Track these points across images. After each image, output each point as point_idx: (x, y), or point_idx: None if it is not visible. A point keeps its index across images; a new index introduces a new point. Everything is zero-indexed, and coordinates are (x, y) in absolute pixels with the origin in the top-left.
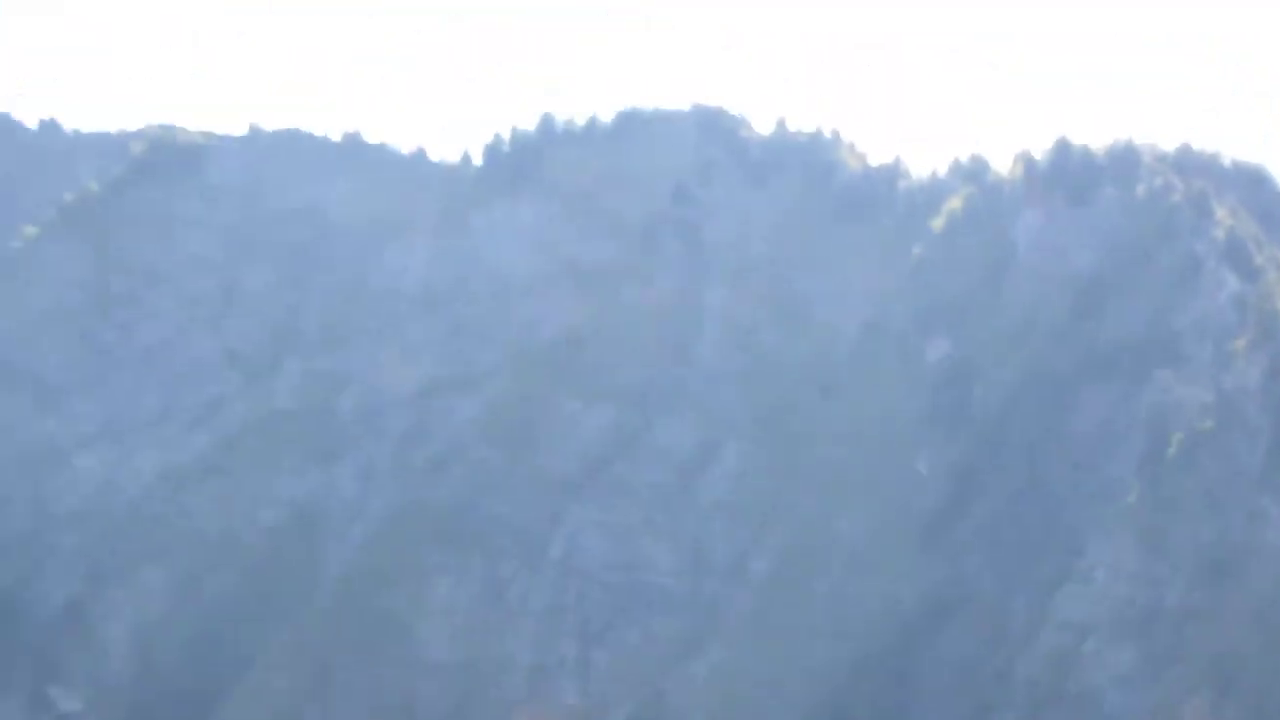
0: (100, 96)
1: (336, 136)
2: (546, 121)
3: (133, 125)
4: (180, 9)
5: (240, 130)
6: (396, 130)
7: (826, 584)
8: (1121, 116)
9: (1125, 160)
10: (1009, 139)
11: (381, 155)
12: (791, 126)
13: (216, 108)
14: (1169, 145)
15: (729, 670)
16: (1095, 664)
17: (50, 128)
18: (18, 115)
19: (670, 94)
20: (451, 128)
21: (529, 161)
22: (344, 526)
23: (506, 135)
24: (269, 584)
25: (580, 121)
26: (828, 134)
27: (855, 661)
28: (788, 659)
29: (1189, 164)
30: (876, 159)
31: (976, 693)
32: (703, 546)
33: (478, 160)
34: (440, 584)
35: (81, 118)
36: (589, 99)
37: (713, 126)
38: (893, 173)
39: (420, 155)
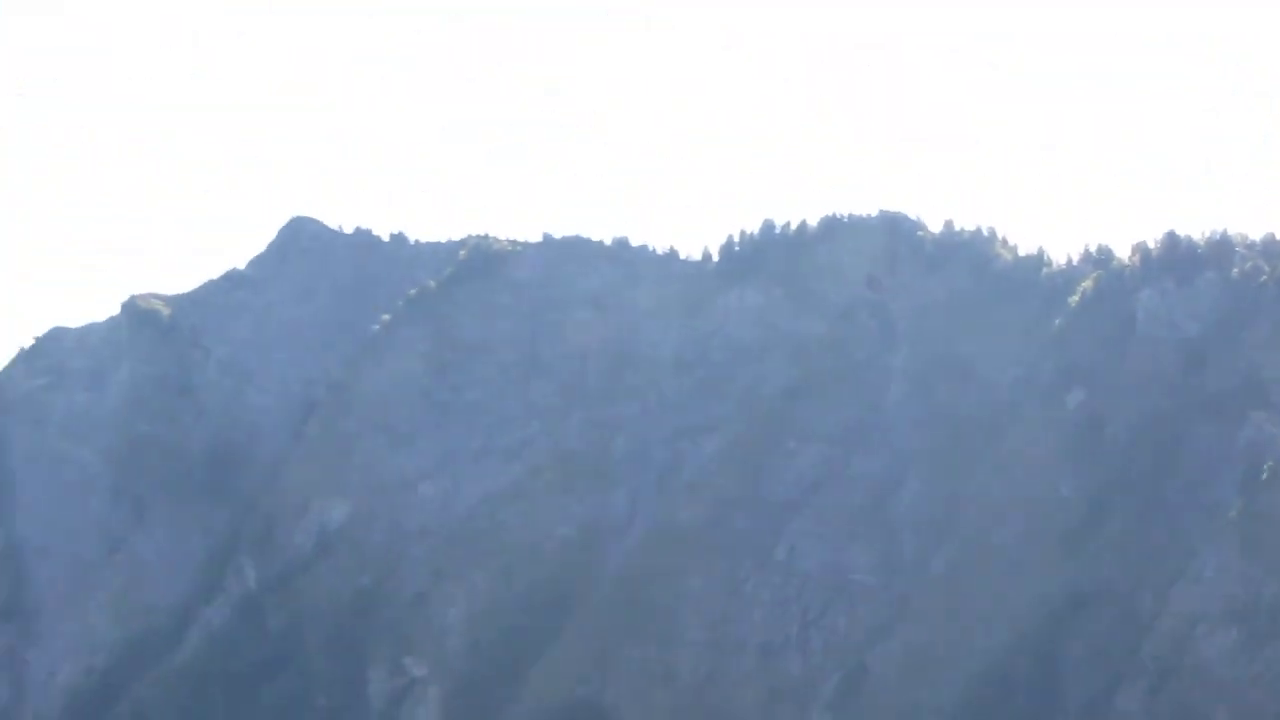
0: (436, 211)
1: (608, 241)
2: (768, 226)
3: (457, 235)
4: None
5: (536, 238)
6: (650, 231)
7: (989, 582)
8: (1123, 118)
9: (1222, 248)
10: (1008, 142)
11: (642, 254)
12: (957, 226)
13: (516, 218)
14: (1257, 235)
15: (915, 647)
16: (1206, 643)
17: (399, 239)
18: (376, 231)
19: (860, 202)
20: (695, 226)
21: (755, 257)
22: (619, 538)
23: (737, 237)
24: (564, 582)
25: (794, 226)
26: (985, 232)
27: (1013, 642)
28: (960, 640)
29: (1273, 249)
30: (1024, 250)
31: (1111, 667)
32: (892, 552)
33: (715, 257)
34: (693, 581)
35: (420, 230)
36: (590, 98)
37: (896, 228)
38: (1037, 261)
39: (672, 254)
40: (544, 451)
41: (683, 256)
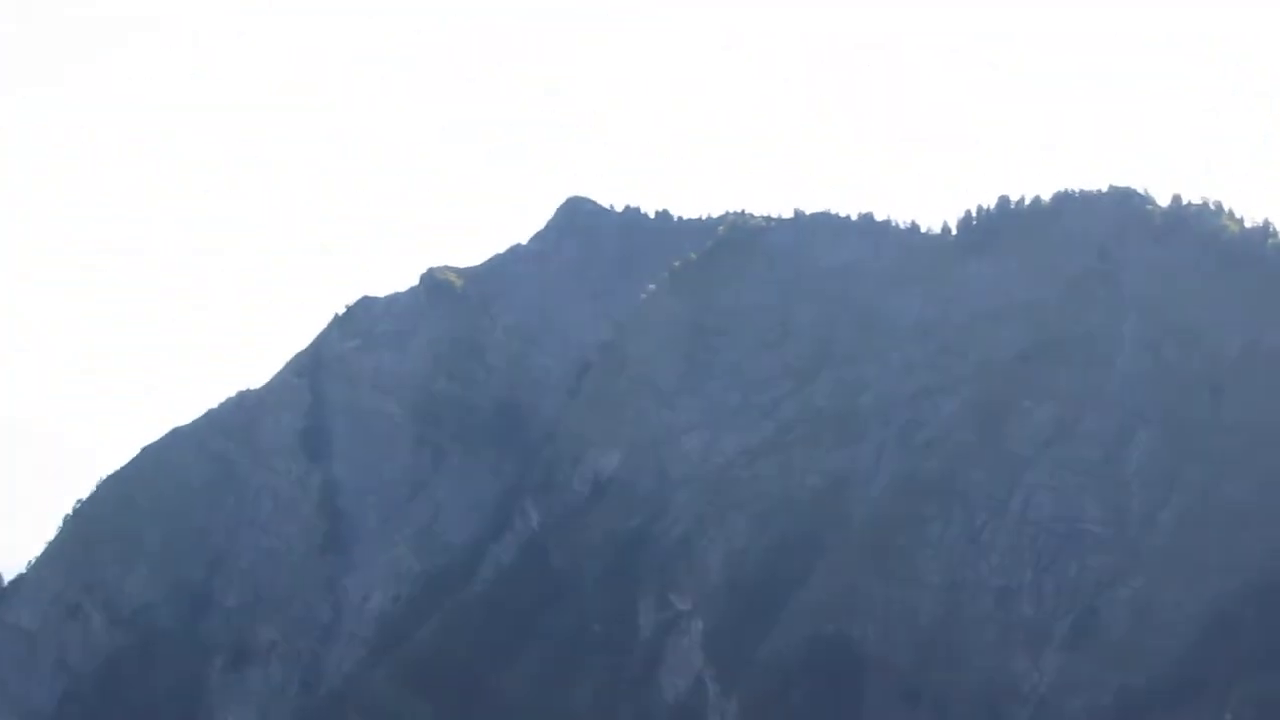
0: (695, 189)
1: (854, 216)
2: (1003, 201)
3: (716, 212)
4: None
5: (788, 213)
6: (893, 205)
7: (1217, 533)
8: (1123, 117)
9: None
10: (1007, 139)
11: (886, 227)
12: (1184, 200)
13: (771, 194)
14: None
15: (1145, 594)
16: None
17: (663, 216)
18: (643, 209)
19: (1091, 178)
20: (937, 200)
21: (992, 230)
22: (865, 488)
23: (974, 212)
24: (814, 527)
25: (1028, 201)
26: (1212, 205)
27: (1239, 589)
28: (1189, 587)
29: None
30: (1250, 222)
31: None
32: (1123, 504)
33: (954, 230)
34: (933, 529)
35: (683, 208)
36: (592, 95)
37: (1125, 202)
38: (1263, 233)
39: (913, 227)
40: (796, 408)
41: (923, 230)
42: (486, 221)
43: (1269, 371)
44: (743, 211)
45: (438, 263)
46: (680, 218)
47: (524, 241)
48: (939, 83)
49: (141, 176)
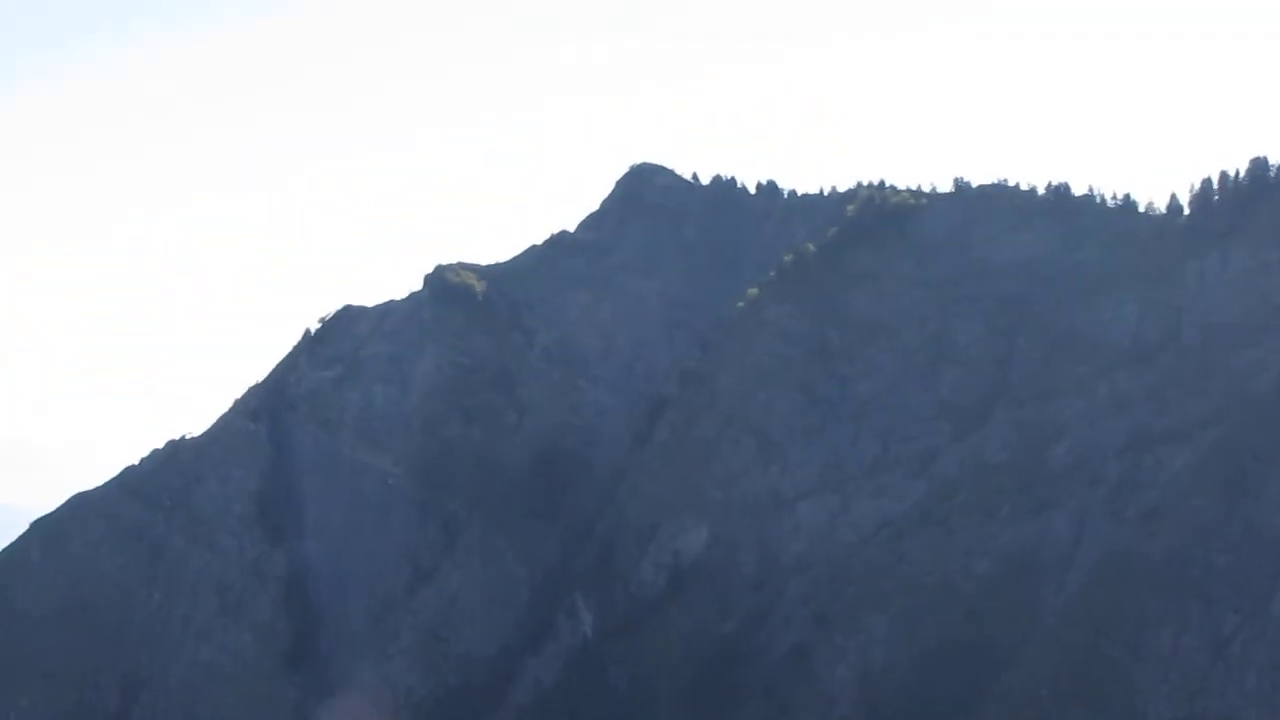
0: (814, 156)
1: (1042, 189)
2: (1259, 166)
3: (843, 184)
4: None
5: (946, 186)
6: (1100, 177)
7: None
8: None
9: None
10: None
11: (1088, 206)
12: None
13: (924, 162)
14: None
15: None
16: None
17: (769, 191)
18: (740, 180)
19: None
20: (1155, 173)
21: (1241, 208)
22: (1058, 575)
23: (1216, 182)
24: (986, 630)
25: None
26: None
27: None
28: None
29: None
30: None
31: None
32: None
33: (1186, 209)
34: (1160, 635)
35: (797, 179)
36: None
37: None
38: None
39: (1127, 206)
40: (957, 463)
41: (1141, 209)
42: (518, 206)
43: None
44: (881, 183)
45: (448, 258)
46: (793, 192)
47: (571, 228)
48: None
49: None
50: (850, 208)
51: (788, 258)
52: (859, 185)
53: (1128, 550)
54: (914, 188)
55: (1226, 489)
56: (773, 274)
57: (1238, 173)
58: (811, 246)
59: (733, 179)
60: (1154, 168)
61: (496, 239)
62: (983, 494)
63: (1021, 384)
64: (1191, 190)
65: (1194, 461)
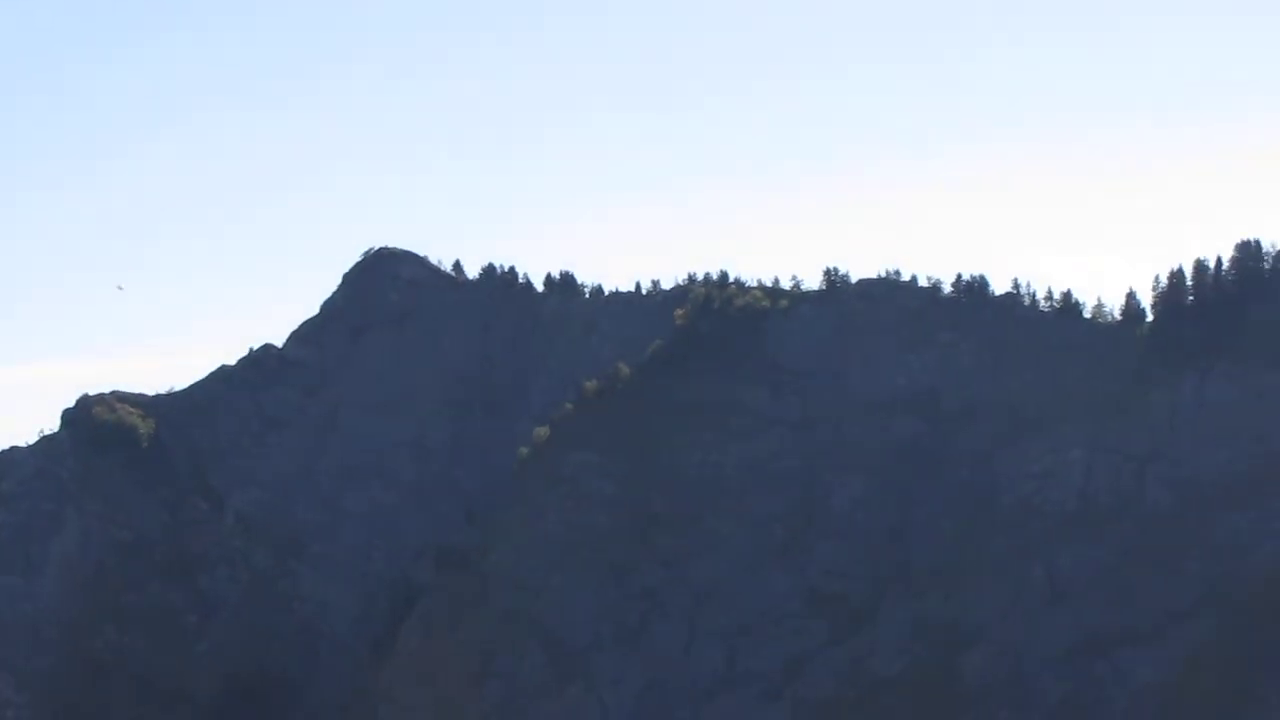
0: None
1: (948, 284)
2: (1247, 254)
3: (670, 278)
4: None
5: (815, 281)
6: (1028, 267)
7: None
8: None
9: None
10: None
11: (1013, 310)
12: None
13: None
14: None
15: None
16: None
17: (564, 286)
18: (523, 272)
19: None
20: (1106, 258)
21: (1225, 314)
22: None
23: (1190, 275)
24: None
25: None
26: None
27: None
28: None
29: None
30: None
31: None
32: None
33: (1150, 315)
34: None
35: (604, 269)
36: None
37: None
38: None
39: (1068, 309)
40: (836, 676)
41: (1087, 314)
42: (202, 306)
43: None
44: (724, 277)
45: (96, 384)
46: (598, 288)
47: (277, 341)
48: None
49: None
50: (680, 312)
51: (590, 384)
52: (692, 280)
53: None
54: (769, 283)
55: (1214, 714)
56: (570, 407)
57: (1219, 262)
58: (625, 368)
59: (512, 269)
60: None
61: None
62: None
63: (922, 565)
64: (1155, 286)
65: (1168, 673)
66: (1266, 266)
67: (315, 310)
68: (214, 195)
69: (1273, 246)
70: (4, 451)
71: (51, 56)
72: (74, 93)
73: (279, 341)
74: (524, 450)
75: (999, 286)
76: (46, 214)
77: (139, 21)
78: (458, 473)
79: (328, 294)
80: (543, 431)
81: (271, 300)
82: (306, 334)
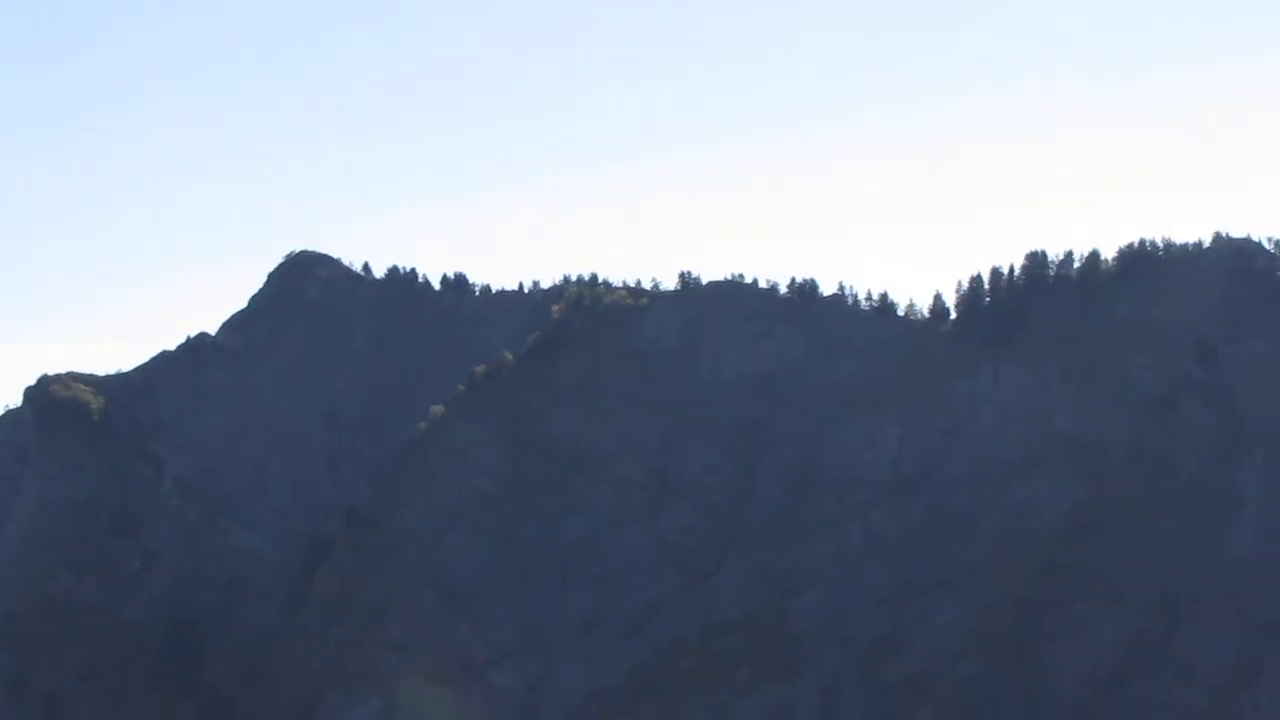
0: (513, 242)
1: (785, 286)
2: (1035, 263)
3: (548, 278)
4: None
5: (671, 282)
6: (852, 273)
7: None
8: None
9: None
10: None
11: (838, 309)
12: None
13: (646, 251)
14: None
15: None
16: None
17: (458, 286)
18: (422, 273)
19: (1188, 224)
20: (917, 268)
21: (1016, 315)
22: None
23: (987, 280)
24: None
25: (1077, 262)
26: None
27: None
28: None
29: None
30: None
31: None
32: None
33: (954, 314)
34: None
35: (493, 271)
36: None
37: (1243, 265)
38: None
39: (885, 308)
40: (686, 618)
41: (901, 312)
42: (145, 300)
43: None
44: (594, 279)
45: (55, 366)
46: (486, 287)
47: (211, 330)
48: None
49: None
50: (556, 308)
51: (480, 369)
52: (566, 280)
53: None
54: (633, 284)
55: (1002, 650)
56: (462, 389)
57: (1012, 269)
58: (509, 355)
59: (413, 271)
60: (916, 261)
61: (117, 341)
62: (715, 657)
63: (761, 524)
64: (959, 290)
65: (965, 616)
66: (1051, 273)
67: (244, 304)
68: (168, 197)
69: (1056, 257)
70: None
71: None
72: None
73: (213, 330)
74: (422, 425)
75: (827, 288)
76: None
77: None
78: (365, 444)
79: (255, 290)
80: (438, 409)
81: (206, 296)
82: (236, 324)
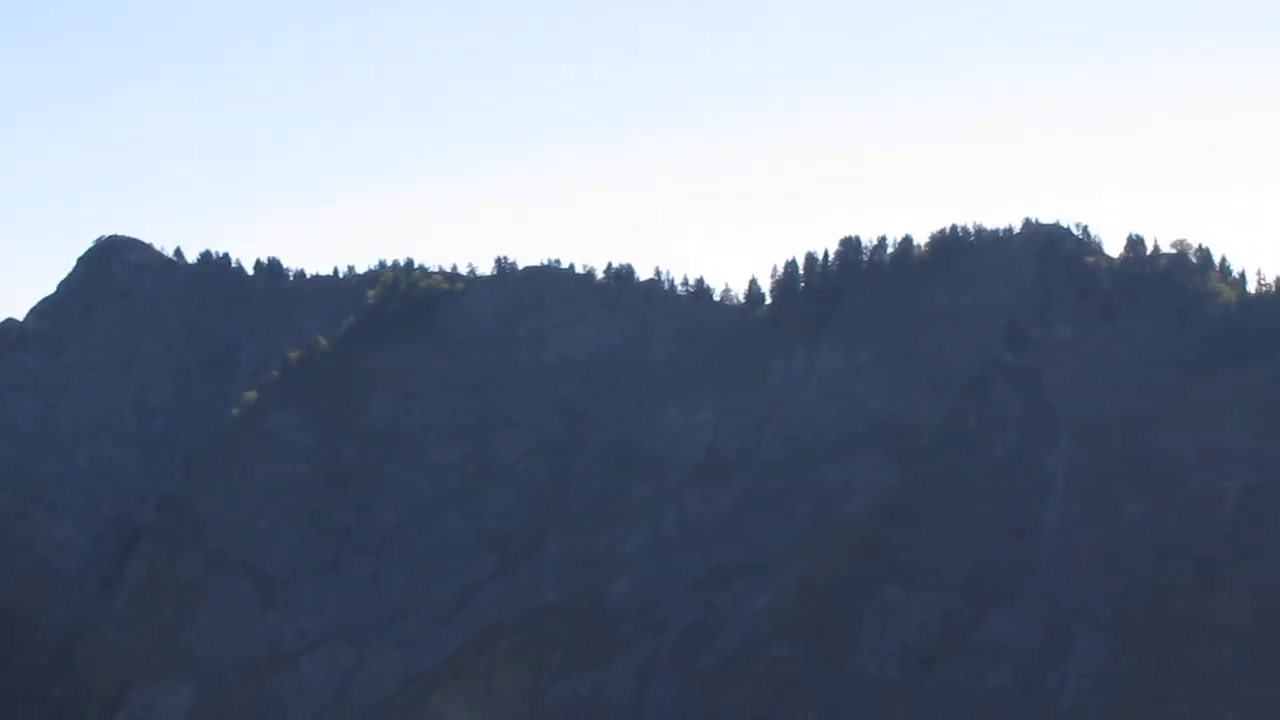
0: (328, 227)
1: (601, 271)
2: (849, 249)
3: (362, 263)
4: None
5: (487, 267)
6: (669, 258)
7: None
8: None
9: None
10: None
11: (655, 294)
12: (1149, 248)
13: (462, 237)
14: None
15: None
16: None
17: (272, 271)
18: (235, 258)
19: (998, 211)
20: (733, 255)
21: (830, 299)
22: None
23: (802, 266)
24: None
25: (890, 248)
26: (1194, 256)
27: None
28: None
29: None
30: (1256, 284)
31: None
32: None
33: (769, 299)
34: None
35: (305, 257)
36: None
37: (1051, 251)
38: (1277, 300)
39: (701, 293)
40: (502, 603)
41: (717, 297)
42: None
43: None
44: (410, 264)
45: None
46: (301, 272)
47: (18, 315)
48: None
49: None
50: (371, 293)
51: (293, 354)
52: (382, 265)
53: (700, 707)
54: (449, 269)
55: (814, 633)
56: (275, 374)
57: (826, 255)
58: (323, 340)
59: (226, 256)
60: (734, 248)
61: None
62: (530, 641)
63: (578, 508)
64: (774, 275)
65: (777, 600)
66: (864, 259)
67: (53, 289)
68: None
69: (870, 243)
70: None
71: None
72: None
73: (20, 316)
74: (236, 411)
75: (643, 273)
76: None
77: None
78: (176, 429)
79: (64, 275)
80: (251, 395)
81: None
82: (45, 310)
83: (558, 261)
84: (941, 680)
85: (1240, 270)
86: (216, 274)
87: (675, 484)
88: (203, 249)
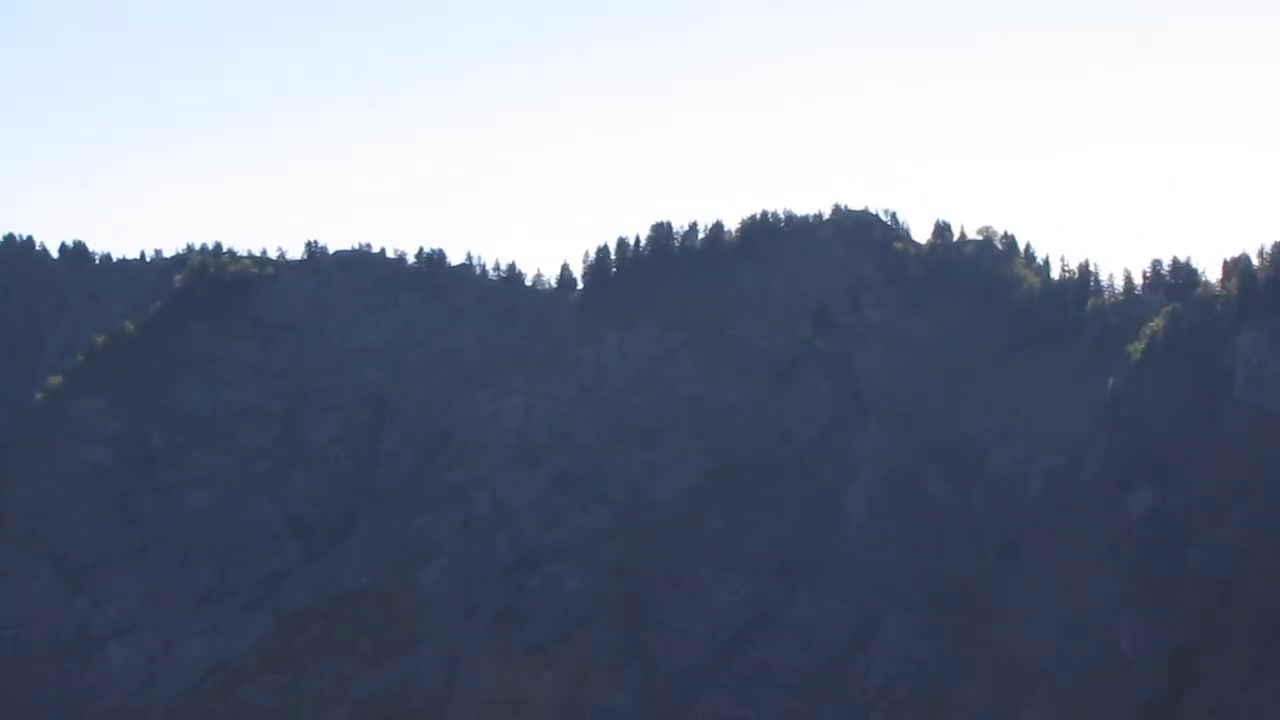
0: (135, 210)
1: (412, 256)
2: (660, 234)
3: (170, 247)
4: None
5: (297, 252)
6: (481, 243)
7: None
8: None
9: None
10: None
11: (466, 278)
12: (955, 234)
13: (272, 221)
14: None
15: None
16: None
17: (77, 254)
18: (39, 241)
19: (808, 198)
20: (545, 240)
21: (642, 284)
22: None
23: (613, 251)
24: None
25: (701, 233)
26: (1000, 243)
27: None
28: None
29: None
30: (1060, 271)
31: None
32: None
33: (581, 283)
34: None
35: (111, 240)
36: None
37: (860, 237)
38: (1080, 288)
39: (513, 278)
40: (311, 588)
41: (528, 282)
42: None
43: (1090, 518)
44: (218, 248)
45: None
46: (107, 255)
47: None
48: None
49: None
50: (179, 277)
51: (99, 338)
52: (190, 249)
53: (512, 691)
54: (258, 253)
55: (624, 616)
56: (80, 358)
57: (638, 240)
58: (130, 325)
59: (30, 239)
60: (545, 231)
61: None
62: (340, 627)
63: (388, 493)
64: (585, 260)
65: (590, 584)
66: (676, 244)
67: None
68: None
69: (681, 228)
70: None
71: None
72: None
73: None
74: (39, 396)
75: (455, 258)
76: None
77: None
78: None
79: None
80: (56, 380)
81: None
82: None
83: (368, 246)
84: (751, 662)
85: (1044, 257)
86: (20, 256)
87: (487, 468)
88: (5, 232)
